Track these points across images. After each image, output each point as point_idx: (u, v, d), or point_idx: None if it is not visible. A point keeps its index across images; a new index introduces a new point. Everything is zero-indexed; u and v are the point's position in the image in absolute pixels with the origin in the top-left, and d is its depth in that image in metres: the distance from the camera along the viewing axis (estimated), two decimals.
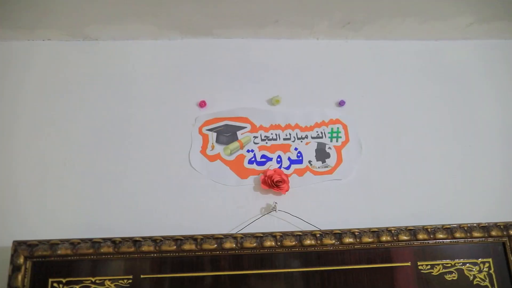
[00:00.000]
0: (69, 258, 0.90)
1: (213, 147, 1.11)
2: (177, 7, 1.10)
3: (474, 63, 1.26)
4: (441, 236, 0.97)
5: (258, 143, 1.12)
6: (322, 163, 1.11)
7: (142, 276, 0.91)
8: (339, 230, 0.95)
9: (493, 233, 0.98)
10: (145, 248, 0.91)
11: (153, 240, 0.92)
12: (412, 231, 0.97)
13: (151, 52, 1.22)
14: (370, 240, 0.95)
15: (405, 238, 0.96)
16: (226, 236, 0.94)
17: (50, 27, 1.17)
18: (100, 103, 1.14)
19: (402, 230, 0.96)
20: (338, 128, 1.15)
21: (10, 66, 1.17)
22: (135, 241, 0.92)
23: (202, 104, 1.15)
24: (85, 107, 1.14)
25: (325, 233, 0.95)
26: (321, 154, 1.12)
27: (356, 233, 0.95)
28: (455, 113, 1.20)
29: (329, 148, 1.13)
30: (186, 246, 0.92)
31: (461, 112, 1.20)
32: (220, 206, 1.04)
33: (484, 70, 1.25)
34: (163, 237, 0.93)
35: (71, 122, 1.12)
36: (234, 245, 0.93)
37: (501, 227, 0.99)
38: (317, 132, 1.14)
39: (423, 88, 1.23)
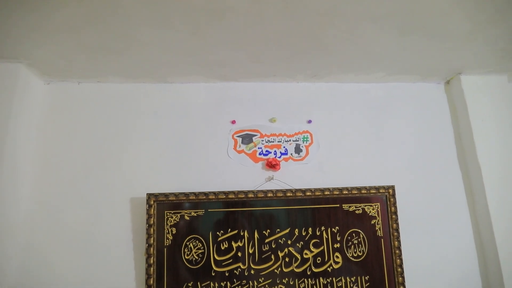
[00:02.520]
0: (175, 201, 1.88)
1: (240, 146, 2.06)
2: (218, 68, 2.01)
3: (387, 96, 2.20)
4: (354, 192, 1.95)
5: (264, 144, 2.08)
6: (298, 154, 2.08)
7: (209, 210, 1.89)
8: (304, 188, 1.93)
9: (381, 190, 1.97)
10: (210, 196, 1.89)
11: (214, 193, 1.90)
12: (340, 189, 1.95)
13: (203, 90, 2.14)
14: (319, 193, 1.93)
15: (336, 192, 1.94)
16: (249, 191, 1.91)
17: (146, 76, 2.08)
18: (176, 120, 2.08)
19: (335, 188, 1.95)
20: (307, 135, 2.11)
21: (127, 99, 2.10)
22: (205, 193, 1.89)
23: (233, 122, 2.09)
24: (169, 122, 2.08)
25: (297, 190, 1.93)
26: (298, 149, 2.08)
27: (312, 190, 1.93)
28: (373, 124, 2.15)
29: (302, 146, 2.09)
30: (230, 196, 1.90)
31: (377, 124, 2.15)
32: (245, 176, 2.00)
33: (392, 100, 2.20)
34: (218, 191, 1.90)
35: (163, 131, 2.06)
36: (253, 195, 1.91)
37: (385, 187, 1.97)
38: (296, 137, 2.10)
39: (357, 111, 2.17)
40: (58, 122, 2.06)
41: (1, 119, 1.81)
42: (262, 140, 2.09)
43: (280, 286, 1.85)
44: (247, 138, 2.08)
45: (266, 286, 1.84)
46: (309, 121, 2.13)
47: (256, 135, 2.10)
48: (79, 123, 2.07)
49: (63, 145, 2.02)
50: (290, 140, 2.10)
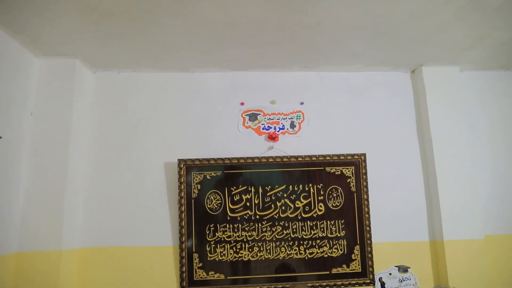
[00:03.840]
0: (199, 165, 2.49)
1: (247, 122, 2.65)
2: (230, 61, 2.55)
3: (364, 82, 2.76)
4: (335, 158, 2.56)
5: (266, 121, 2.66)
6: (292, 129, 2.66)
7: (225, 171, 2.51)
8: (297, 155, 2.54)
9: (355, 157, 2.58)
10: (226, 161, 2.50)
11: (228, 158, 2.50)
12: (324, 156, 2.56)
13: (218, 78, 2.69)
14: (308, 159, 2.54)
15: (321, 158, 2.55)
16: (255, 157, 2.52)
17: (172, 67, 2.62)
18: (197, 102, 2.65)
19: (320, 155, 2.56)
20: (300, 114, 2.69)
21: (157, 85, 2.65)
22: (221, 159, 2.50)
23: (242, 103, 2.66)
24: (192, 103, 2.64)
25: (291, 156, 2.54)
26: (292, 125, 2.67)
27: (303, 156, 2.54)
28: (352, 105, 2.72)
29: (296, 123, 2.68)
30: (240, 161, 2.51)
31: (355, 105, 2.72)
32: (252, 146, 2.60)
33: (368, 86, 2.76)
34: (232, 157, 2.50)
35: (187, 110, 2.63)
36: (258, 161, 2.52)
37: (358, 154, 2.58)
38: (291, 116, 2.68)
39: (340, 94, 2.73)
40: (103, 103, 2.63)
41: (66, 102, 2.38)
42: (265, 118, 2.67)
43: (278, 227, 2.50)
44: (253, 116, 2.67)
45: (268, 227, 2.49)
46: (302, 103, 2.71)
47: (260, 114, 2.68)
48: (120, 104, 2.63)
49: (109, 122, 2.60)
50: (286, 118, 2.68)
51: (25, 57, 2.31)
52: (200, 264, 2.44)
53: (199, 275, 2.44)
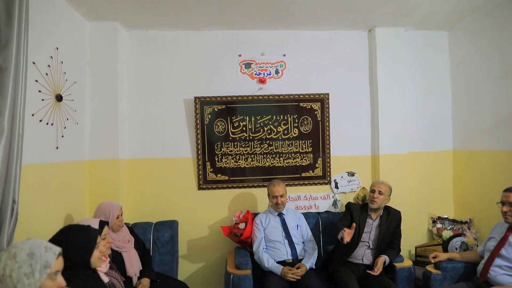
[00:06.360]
0: (209, 101, 3.49)
1: (243, 70, 3.59)
2: (232, 23, 3.42)
3: (331, 39, 3.65)
4: (306, 96, 3.56)
5: (257, 68, 3.60)
6: (277, 75, 3.62)
7: (228, 105, 3.52)
8: (279, 94, 3.54)
9: (321, 95, 3.58)
10: (228, 98, 3.50)
11: (230, 96, 3.49)
12: (299, 95, 3.55)
13: (222, 35, 3.57)
14: (287, 97, 3.54)
15: (297, 96, 3.55)
16: (249, 95, 3.52)
17: (186, 26, 3.48)
18: (206, 54, 3.56)
19: (296, 94, 3.55)
20: (282, 63, 3.62)
21: (175, 40, 3.54)
22: (225, 96, 3.49)
23: (240, 55, 3.58)
24: (202, 55, 3.56)
25: (275, 95, 3.54)
26: (277, 72, 3.62)
27: (284, 95, 3.54)
28: (321, 57, 3.65)
29: (279, 70, 3.62)
30: (239, 98, 3.51)
31: (323, 57, 3.65)
32: (246, 87, 3.57)
33: (334, 42, 3.66)
34: (232, 95, 3.50)
35: (199, 60, 3.56)
36: (251, 97, 3.52)
37: (324, 94, 3.58)
38: (276, 65, 3.62)
39: (312, 48, 3.64)
40: (136, 55, 3.54)
41: (112, 55, 3.30)
42: (257, 66, 3.61)
43: (265, 144, 3.59)
44: (247, 65, 3.60)
45: (258, 144, 3.58)
46: (284, 55, 3.63)
47: (253, 63, 3.61)
48: (148, 55, 3.54)
49: (141, 69, 3.54)
50: (272, 66, 3.63)
51: (81, 22, 3.17)
52: (211, 169, 3.57)
53: (211, 176, 3.58)
